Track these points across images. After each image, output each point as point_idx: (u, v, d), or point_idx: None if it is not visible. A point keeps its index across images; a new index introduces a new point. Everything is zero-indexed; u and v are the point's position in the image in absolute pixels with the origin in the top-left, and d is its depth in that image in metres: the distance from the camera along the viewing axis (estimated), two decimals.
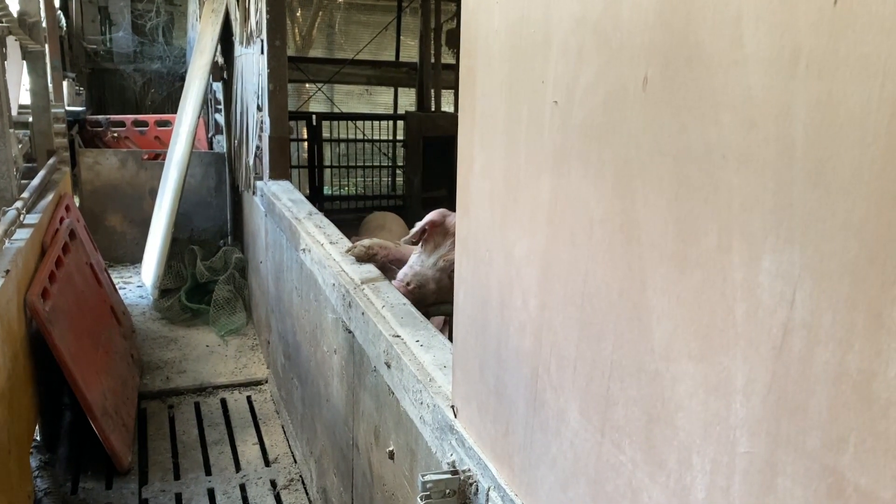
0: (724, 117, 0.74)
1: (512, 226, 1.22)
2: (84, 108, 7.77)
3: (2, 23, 3.74)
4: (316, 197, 7.38)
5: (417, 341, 1.89)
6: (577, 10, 0.98)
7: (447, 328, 2.69)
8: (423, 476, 1.37)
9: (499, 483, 1.27)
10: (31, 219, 3.49)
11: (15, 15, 4.15)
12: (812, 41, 0.64)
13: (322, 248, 2.83)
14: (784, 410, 0.69)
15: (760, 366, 0.71)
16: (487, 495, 1.30)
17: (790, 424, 0.68)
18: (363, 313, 2.17)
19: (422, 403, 1.68)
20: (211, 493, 3.34)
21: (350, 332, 2.37)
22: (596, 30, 0.94)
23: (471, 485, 1.36)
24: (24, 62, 4.72)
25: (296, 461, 3.59)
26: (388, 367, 1.93)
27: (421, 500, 1.35)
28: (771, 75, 0.69)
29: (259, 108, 4.35)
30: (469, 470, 1.38)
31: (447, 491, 1.36)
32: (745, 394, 0.73)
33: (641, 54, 0.86)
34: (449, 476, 1.37)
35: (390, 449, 2.00)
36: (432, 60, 8.59)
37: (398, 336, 1.95)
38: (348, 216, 7.98)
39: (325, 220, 3.27)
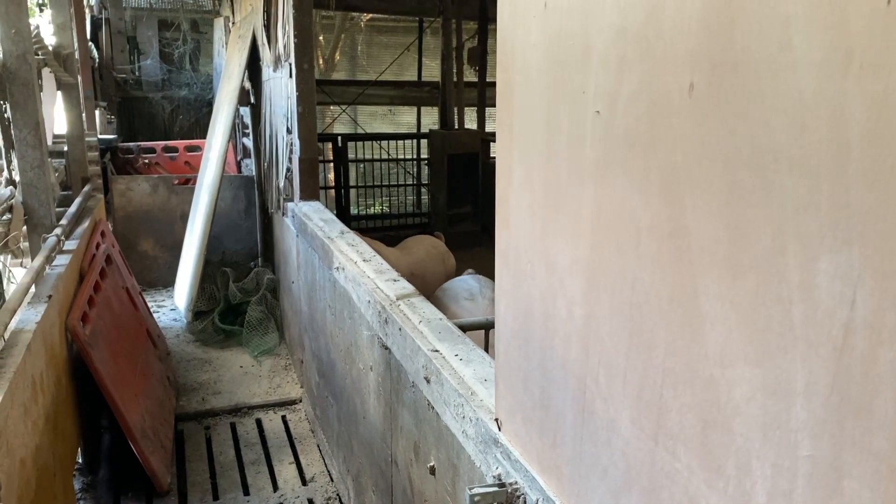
0: (775, 121, 0.75)
1: (554, 237, 1.22)
2: (115, 135, 7.94)
3: (38, 56, 3.84)
4: (343, 217, 7.43)
5: (456, 355, 1.90)
6: (618, 21, 0.99)
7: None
8: (470, 489, 1.37)
9: (547, 495, 1.27)
10: (70, 245, 3.57)
11: (50, 48, 4.26)
12: (865, 41, 0.64)
13: (356, 265, 2.86)
14: (848, 412, 0.69)
15: (821, 367, 0.71)
16: None
17: (855, 425, 0.68)
18: (400, 329, 2.18)
19: (464, 417, 1.68)
20: None
21: (387, 348, 2.38)
22: (638, 39, 0.95)
23: (518, 497, 1.36)
24: (59, 93, 4.85)
25: (332, 480, 3.60)
26: (428, 381, 1.94)
27: None
28: (822, 77, 0.69)
29: (288, 131, 4.41)
30: (516, 483, 1.38)
31: None
32: (805, 396, 0.73)
33: (686, 61, 0.87)
34: (496, 489, 1.37)
35: (431, 464, 2.00)
36: (454, 79, 8.66)
37: (437, 351, 1.95)
38: (375, 235, 8.03)
39: (358, 239, 3.30)
